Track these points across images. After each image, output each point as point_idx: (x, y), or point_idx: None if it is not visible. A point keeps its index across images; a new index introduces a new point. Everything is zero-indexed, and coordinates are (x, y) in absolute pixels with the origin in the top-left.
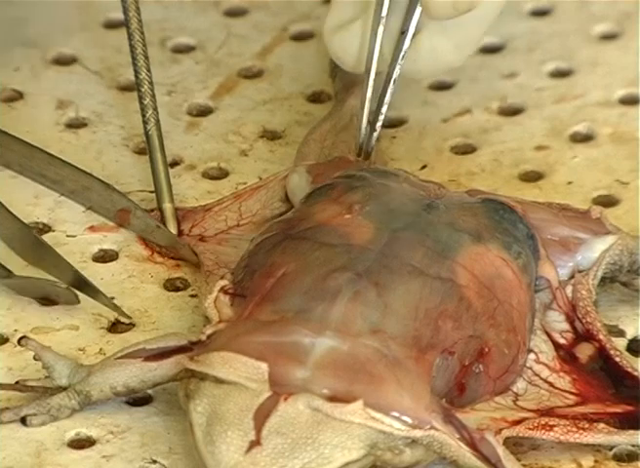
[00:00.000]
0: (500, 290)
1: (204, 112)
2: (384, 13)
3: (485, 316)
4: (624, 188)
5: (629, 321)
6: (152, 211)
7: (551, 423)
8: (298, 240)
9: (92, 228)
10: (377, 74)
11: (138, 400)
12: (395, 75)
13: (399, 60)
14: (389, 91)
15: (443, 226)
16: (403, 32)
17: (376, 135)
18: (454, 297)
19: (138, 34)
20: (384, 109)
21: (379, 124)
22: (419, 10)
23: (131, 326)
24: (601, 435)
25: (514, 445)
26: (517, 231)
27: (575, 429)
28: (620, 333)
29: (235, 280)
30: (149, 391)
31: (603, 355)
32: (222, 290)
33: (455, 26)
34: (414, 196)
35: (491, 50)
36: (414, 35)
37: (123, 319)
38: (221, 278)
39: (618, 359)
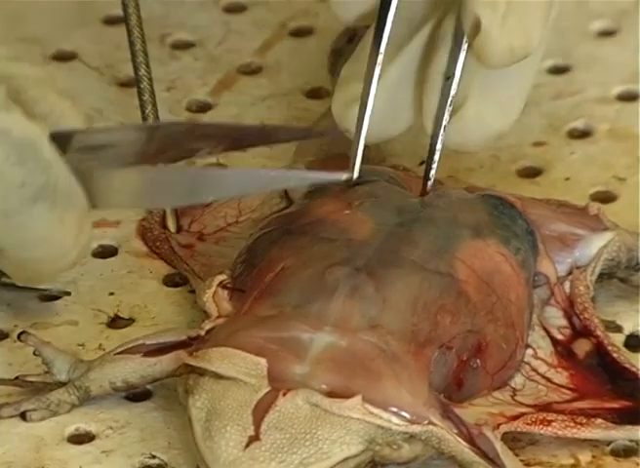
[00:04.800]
0: (499, 285)
1: (203, 108)
2: (382, 49)
3: (483, 311)
4: (622, 184)
5: (627, 317)
6: None
7: (549, 418)
8: (296, 235)
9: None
10: None
11: (137, 395)
12: (444, 125)
13: (447, 110)
14: (439, 143)
15: (442, 222)
16: (448, 78)
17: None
18: (452, 292)
19: (137, 31)
20: (433, 171)
21: (430, 182)
22: (463, 54)
23: (130, 321)
24: (599, 430)
25: (512, 440)
26: (516, 227)
27: (572, 424)
28: (618, 329)
29: (234, 274)
30: (149, 386)
31: (601, 351)
32: (221, 284)
33: (498, 90)
34: (412, 192)
35: None
36: (457, 106)
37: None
38: (220, 273)
39: (615, 355)
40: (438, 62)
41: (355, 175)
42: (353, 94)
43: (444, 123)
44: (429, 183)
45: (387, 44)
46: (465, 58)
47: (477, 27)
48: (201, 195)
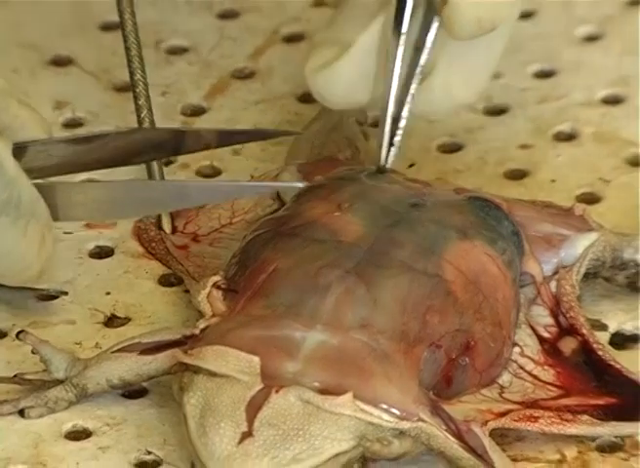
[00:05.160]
0: (486, 285)
1: (197, 112)
2: (404, 29)
3: (471, 310)
4: (607, 186)
5: (612, 315)
6: None
7: (536, 415)
8: (288, 236)
9: (88, 225)
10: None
11: (133, 392)
12: (412, 91)
13: (415, 79)
14: (405, 111)
15: (430, 223)
16: (418, 48)
17: (392, 155)
18: (441, 292)
19: (132, 36)
20: (398, 138)
21: (395, 147)
22: (435, 25)
23: (127, 320)
24: (584, 426)
25: (500, 436)
26: (502, 228)
27: (559, 421)
28: (603, 327)
29: (228, 275)
30: (144, 384)
31: (586, 349)
32: (215, 285)
33: (465, 61)
34: (401, 194)
35: None
36: (425, 77)
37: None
38: (214, 274)
39: (600, 352)
40: (410, 32)
41: (387, 163)
42: (325, 58)
43: (412, 91)
44: (392, 151)
45: (358, 14)
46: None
47: None
48: (161, 207)
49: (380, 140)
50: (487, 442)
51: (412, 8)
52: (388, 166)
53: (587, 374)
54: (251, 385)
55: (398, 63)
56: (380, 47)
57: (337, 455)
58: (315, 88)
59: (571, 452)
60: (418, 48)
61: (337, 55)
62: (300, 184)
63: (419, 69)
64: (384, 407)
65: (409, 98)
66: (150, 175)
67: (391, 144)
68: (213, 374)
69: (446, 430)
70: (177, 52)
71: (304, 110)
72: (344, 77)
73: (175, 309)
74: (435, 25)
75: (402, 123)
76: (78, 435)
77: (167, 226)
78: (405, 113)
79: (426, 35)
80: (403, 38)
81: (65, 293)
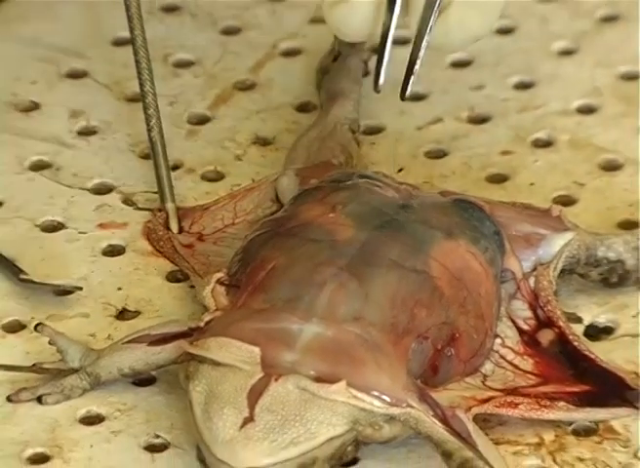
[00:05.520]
0: (470, 281)
1: (202, 121)
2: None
3: (456, 304)
4: (581, 189)
5: (586, 309)
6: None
7: (516, 401)
8: (286, 236)
9: (101, 225)
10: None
11: (142, 381)
12: (430, 26)
13: (434, 12)
14: (424, 41)
15: (418, 224)
16: None
17: (411, 82)
18: (427, 288)
19: (142, 51)
20: (417, 67)
21: (414, 75)
22: None
23: (137, 313)
24: (561, 412)
25: (483, 421)
26: (484, 228)
27: (537, 407)
28: (578, 320)
29: (230, 272)
30: (153, 372)
31: (563, 340)
32: (219, 281)
33: None
34: (391, 196)
35: (460, 64)
36: (442, 10)
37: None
38: (218, 271)
39: (576, 343)
40: None
41: (408, 90)
42: None
43: (430, 24)
44: (411, 79)
45: None
46: None
47: None
48: None
49: (379, 62)
50: (471, 426)
51: None
52: (408, 93)
53: (564, 364)
54: (252, 374)
55: (399, 3)
56: None
57: (331, 439)
58: (332, 21)
59: (549, 436)
60: None
61: None
62: None
63: (437, 3)
64: (376, 394)
65: (427, 30)
66: (157, 174)
67: (411, 73)
68: (217, 364)
69: (433, 415)
70: (183, 65)
71: (301, 119)
72: (360, 11)
73: (181, 303)
74: None
75: (421, 53)
76: (92, 420)
77: (174, 227)
78: (424, 44)
79: None
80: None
81: (80, 289)
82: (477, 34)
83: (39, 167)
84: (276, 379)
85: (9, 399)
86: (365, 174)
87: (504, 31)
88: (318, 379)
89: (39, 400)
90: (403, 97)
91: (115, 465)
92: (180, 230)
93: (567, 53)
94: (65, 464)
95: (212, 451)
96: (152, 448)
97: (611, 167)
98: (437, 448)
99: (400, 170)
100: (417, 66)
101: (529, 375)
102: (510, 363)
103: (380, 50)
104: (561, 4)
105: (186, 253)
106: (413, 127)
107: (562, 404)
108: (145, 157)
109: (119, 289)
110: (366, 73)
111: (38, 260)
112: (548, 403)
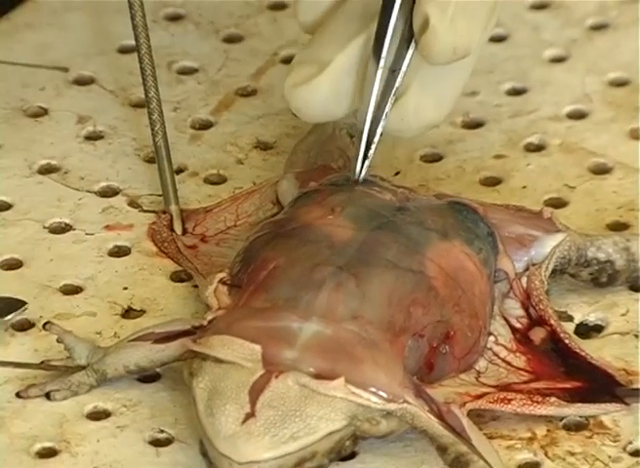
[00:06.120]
0: (464, 280)
1: (205, 126)
2: (384, 54)
3: (450, 303)
4: (572, 192)
5: (577, 307)
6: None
7: (509, 397)
8: (287, 237)
9: (108, 227)
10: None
11: (147, 377)
12: (386, 112)
13: (390, 99)
14: (379, 128)
15: (414, 225)
16: (394, 71)
17: (365, 167)
18: (423, 287)
19: (147, 58)
20: (372, 151)
21: (368, 160)
22: (411, 51)
23: (142, 312)
24: (553, 407)
25: (477, 416)
26: (478, 229)
27: (529, 402)
28: (569, 319)
29: (232, 272)
30: (158, 369)
31: (554, 338)
32: (221, 281)
33: (436, 84)
34: (388, 199)
35: None
36: (398, 97)
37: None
38: (220, 271)
39: (567, 341)
40: (387, 56)
41: (360, 175)
42: (301, 77)
43: (386, 110)
44: (366, 163)
45: (337, 35)
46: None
47: (425, 26)
48: None
49: (356, 155)
50: (465, 421)
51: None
52: (362, 177)
53: (555, 361)
54: (253, 371)
55: (377, 85)
56: (357, 67)
57: (330, 434)
58: (293, 103)
59: (540, 431)
60: (393, 70)
61: (315, 73)
62: None
63: (393, 91)
64: (373, 390)
65: (383, 117)
66: (162, 177)
67: (366, 157)
68: (219, 361)
69: (428, 411)
70: (187, 72)
71: (301, 124)
72: (322, 94)
73: (185, 302)
74: (411, 51)
75: (376, 138)
76: (98, 415)
77: (178, 228)
78: (379, 130)
79: (403, 59)
80: (382, 62)
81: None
82: (432, 122)
83: (47, 170)
84: (277, 376)
85: (18, 395)
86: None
87: (497, 39)
88: (317, 376)
89: (47, 396)
90: (357, 181)
91: (121, 459)
92: (184, 232)
93: (558, 60)
94: (73, 458)
95: (214, 446)
96: (157, 443)
97: (600, 170)
98: (432, 443)
99: (397, 173)
100: (371, 151)
101: (521, 372)
102: (503, 360)
103: (357, 141)
104: (552, 13)
105: (190, 254)
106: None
107: (554, 399)
108: (150, 161)
109: (125, 288)
110: None
111: (47, 261)
112: (540, 398)
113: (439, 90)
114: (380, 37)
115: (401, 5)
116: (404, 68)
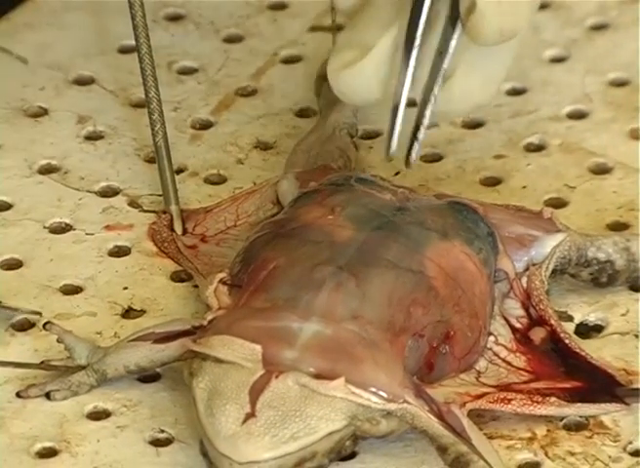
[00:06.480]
0: (464, 280)
1: (205, 126)
2: (418, 41)
3: (451, 303)
4: (572, 192)
5: (577, 308)
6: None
7: (509, 397)
8: (287, 237)
9: (108, 227)
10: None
11: (148, 377)
12: (434, 94)
13: (438, 82)
14: (428, 110)
15: (414, 225)
16: (441, 53)
17: (416, 150)
18: (423, 287)
19: (147, 58)
20: (422, 134)
21: (418, 142)
22: (457, 32)
23: (142, 312)
24: (553, 407)
25: (477, 416)
26: (478, 229)
27: (530, 402)
28: (569, 319)
29: (232, 272)
30: (158, 369)
31: (554, 337)
32: (221, 281)
33: (483, 66)
34: (388, 199)
35: None
36: (446, 79)
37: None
38: (220, 271)
39: (567, 341)
40: (432, 38)
41: (413, 157)
42: (345, 61)
43: (435, 93)
44: (416, 146)
45: (378, 18)
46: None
47: (472, 7)
48: None
49: (390, 133)
50: (465, 421)
51: (434, 15)
52: (413, 159)
53: (555, 361)
54: (253, 371)
55: (412, 64)
56: (399, 50)
57: (330, 434)
58: (337, 86)
59: (541, 431)
60: (441, 52)
61: (359, 56)
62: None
63: (441, 72)
64: (373, 390)
65: (432, 99)
66: (162, 177)
67: (416, 139)
68: (219, 361)
69: (428, 411)
70: (187, 72)
71: (301, 124)
72: (366, 77)
73: (185, 302)
74: (458, 32)
75: (425, 121)
76: (99, 415)
77: (178, 228)
78: (428, 112)
79: (449, 41)
80: (418, 41)
81: (39, 314)
82: (479, 102)
83: (47, 170)
84: (277, 376)
85: (18, 395)
86: (363, 177)
87: None
88: (318, 376)
89: (48, 396)
90: (407, 165)
91: (121, 459)
92: (184, 232)
93: (558, 60)
94: (73, 458)
95: (215, 446)
96: (157, 443)
97: (600, 170)
98: (433, 443)
99: (397, 173)
100: (420, 134)
101: (521, 372)
102: (503, 360)
103: (391, 119)
104: (552, 13)
105: (190, 254)
106: (409, 131)
107: (554, 399)
108: (150, 161)
109: (125, 288)
110: None
111: (47, 261)
112: (540, 398)
113: (486, 71)
114: (412, 24)
115: None
116: (451, 50)
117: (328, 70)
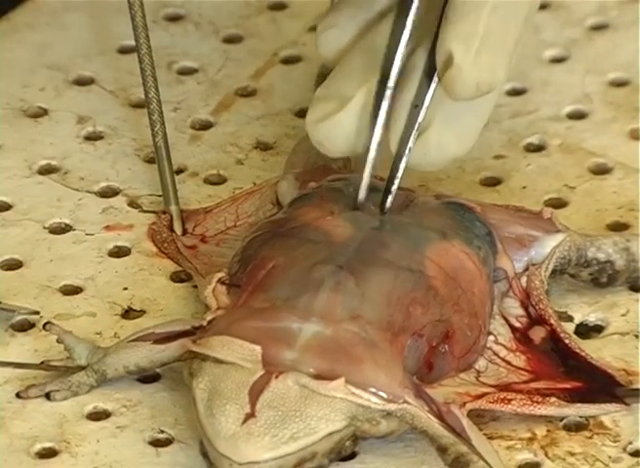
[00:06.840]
0: (463, 280)
1: (205, 126)
2: (391, 84)
3: (450, 303)
4: (572, 192)
5: (577, 308)
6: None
7: (509, 397)
8: (286, 237)
9: (108, 227)
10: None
11: (147, 377)
12: (409, 147)
13: (413, 135)
14: (403, 162)
15: (413, 225)
16: (416, 106)
17: (389, 202)
18: (423, 287)
19: (147, 58)
20: (395, 186)
21: (391, 195)
22: (433, 86)
23: (142, 312)
24: (553, 408)
25: (477, 416)
26: (476, 229)
27: (529, 402)
28: (569, 319)
29: (231, 272)
30: (158, 370)
31: (554, 337)
32: (220, 280)
33: (458, 119)
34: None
35: None
36: (421, 132)
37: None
38: (219, 271)
39: (567, 341)
40: (408, 91)
41: (386, 207)
42: (323, 112)
43: (409, 145)
44: (389, 198)
45: (357, 70)
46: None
47: (449, 62)
48: None
49: (358, 182)
50: (465, 421)
51: (411, 68)
52: (387, 208)
53: (555, 361)
54: (253, 371)
55: (382, 114)
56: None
57: (330, 434)
58: (316, 138)
59: (540, 431)
60: (416, 105)
61: (337, 108)
62: None
63: (416, 126)
64: (373, 390)
65: (406, 151)
66: (162, 177)
67: (389, 192)
68: (219, 362)
69: (428, 411)
70: (187, 72)
71: (301, 124)
72: (343, 129)
73: (185, 303)
74: (434, 86)
75: (399, 173)
76: (98, 415)
77: (178, 228)
78: (402, 165)
79: (425, 94)
80: (389, 92)
81: (37, 313)
82: (455, 155)
83: (47, 171)
84: (277, 377)
85: (18, 395)
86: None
87: None
88: (317, 376)
89: (47, 396)
90: (382, 213)
91: (121, 459)
92: (184, 232)
93: (558, 60)
94: (73, 458)
95: (214, 446)
96: (157, 443)
97: (600, 170)
98: (433, 443)
99: None
100: (394, 186)
101: (521, 372)
102: (503, 359)
103: (361, 169)
104: (552, 13)
105: (190, 254)
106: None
107: (553, 399)
108: (150, 161)
109: (125, 288)
110: None
111: (47, 261)
112: (540, 399)
113: (462, 124)
114: (387, 66)
115: (423, 40)
116: (426, 103)
117: (306, 122)
